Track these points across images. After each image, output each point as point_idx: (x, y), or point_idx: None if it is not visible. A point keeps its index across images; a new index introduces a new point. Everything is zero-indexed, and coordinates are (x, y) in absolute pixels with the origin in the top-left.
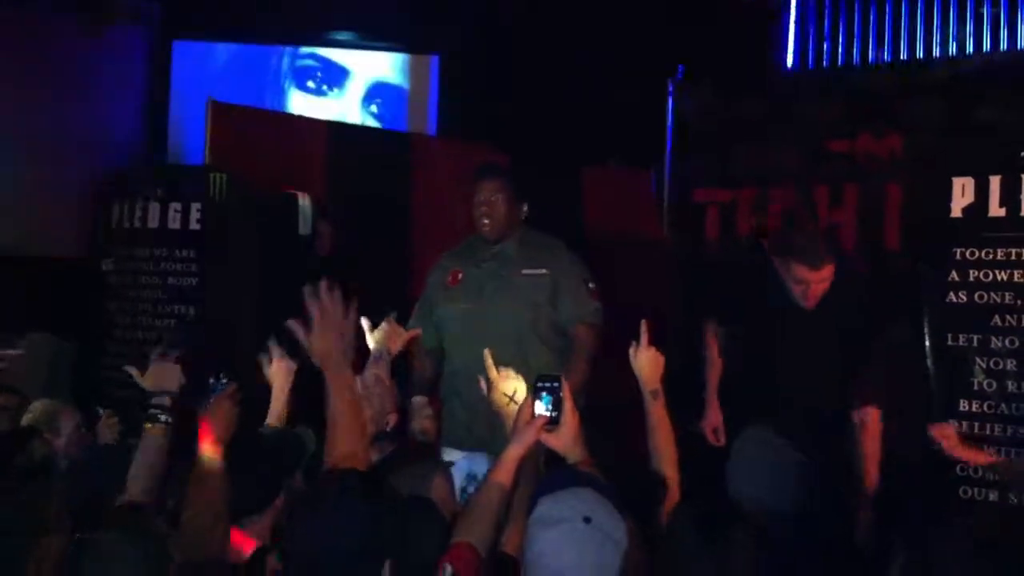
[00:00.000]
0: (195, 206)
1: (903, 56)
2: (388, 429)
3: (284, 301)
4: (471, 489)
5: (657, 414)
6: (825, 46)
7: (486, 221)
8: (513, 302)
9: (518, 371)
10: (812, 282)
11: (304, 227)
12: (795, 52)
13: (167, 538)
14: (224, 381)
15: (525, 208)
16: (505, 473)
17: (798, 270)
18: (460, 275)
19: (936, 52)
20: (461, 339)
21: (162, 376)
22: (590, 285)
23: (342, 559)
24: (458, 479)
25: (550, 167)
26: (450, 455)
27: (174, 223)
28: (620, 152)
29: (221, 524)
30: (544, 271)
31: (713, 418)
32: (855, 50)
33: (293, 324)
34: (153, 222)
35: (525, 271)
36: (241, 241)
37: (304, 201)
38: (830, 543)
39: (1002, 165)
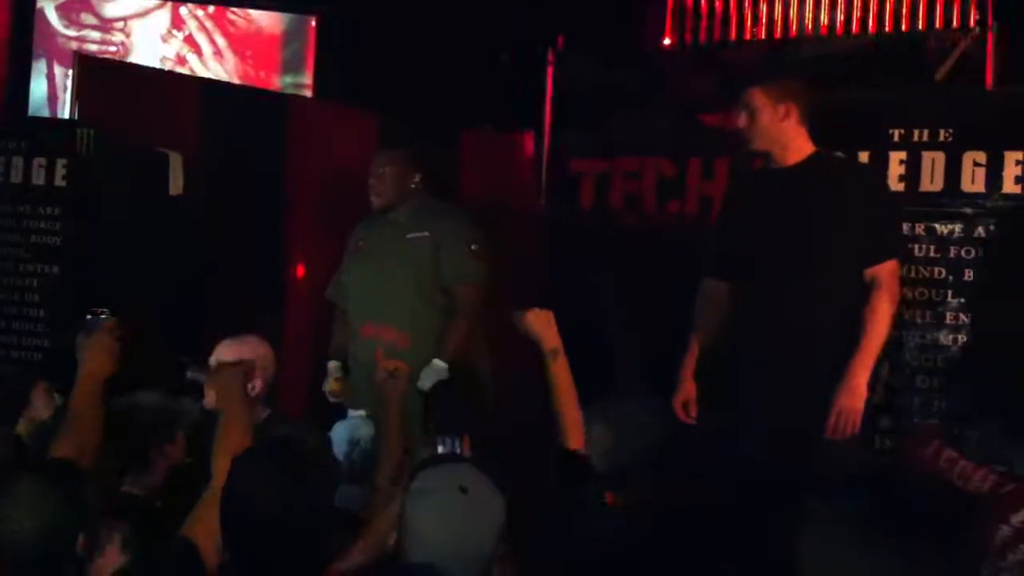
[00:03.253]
0: (60, 162)
1: (776, 35)
2: (253, 394)
3: (152, 261)
4: (354, 455)
5: (559, 375)
6: (702, 23)
7: (373, 193)
8: (398, 267)
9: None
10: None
11: (175, 187)
12: (672, 28)
13: None
14: (103, 315)
15: (417, 178)
16: None
17: None
18: (362, 243)
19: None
20: (357, 304)
21: None
22: (473, 247)
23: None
24: (341, 444)
25: (427, 130)
26: (353, 415)
27: (38, 179)
28: (499, 118)
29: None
30: (426, 234)
31: (685, 392)
32: (731, 28)
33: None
34: (16, 177)
35: (410, 235)
36: (108, 199)
37: (175, 160)
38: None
39: (868, 142)
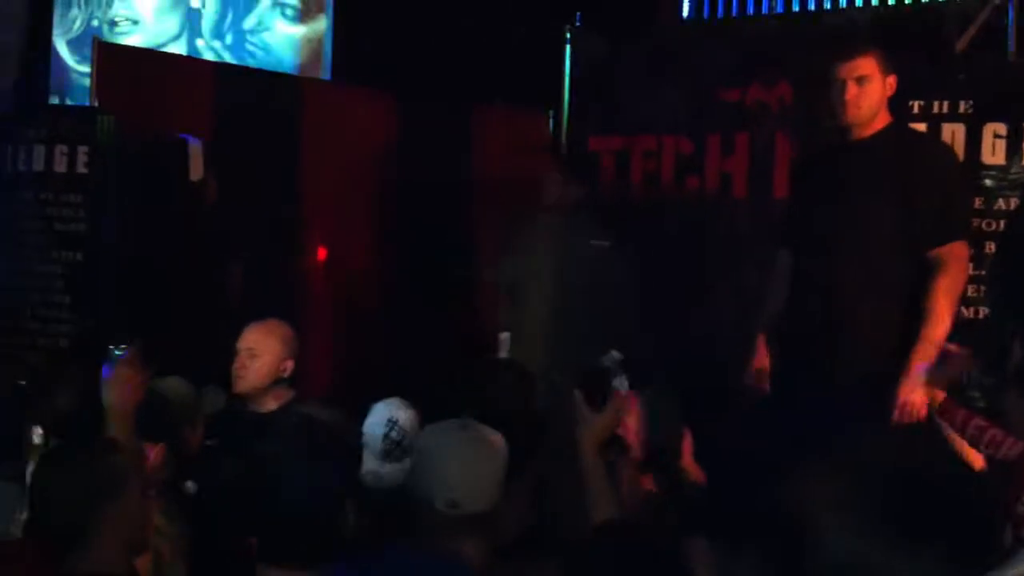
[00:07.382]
0: (82, 149)
1: (794, 7)
2: (286, 376)
3: (175, 247)
4: (393, 434)
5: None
6: None
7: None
8: None
9: None
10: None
11: (196, 173)
12: (691, 1)
13: None
14: (124, 349)
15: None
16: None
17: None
18: None
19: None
20: None
21: None
22: None
23: None
24: (380, 424)
25: (440, 107)
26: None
27: (60, 167)
28: (517, 97)
29: None
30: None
31: (759, 362)
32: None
33: None
34: (38, 165)
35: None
36: (130, 186)
37: (195, 146)
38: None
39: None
